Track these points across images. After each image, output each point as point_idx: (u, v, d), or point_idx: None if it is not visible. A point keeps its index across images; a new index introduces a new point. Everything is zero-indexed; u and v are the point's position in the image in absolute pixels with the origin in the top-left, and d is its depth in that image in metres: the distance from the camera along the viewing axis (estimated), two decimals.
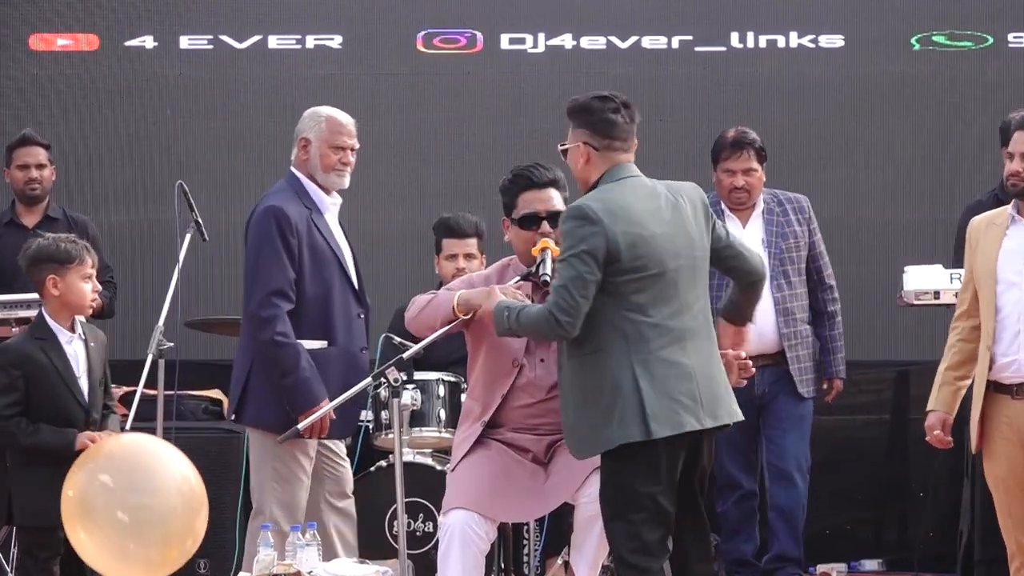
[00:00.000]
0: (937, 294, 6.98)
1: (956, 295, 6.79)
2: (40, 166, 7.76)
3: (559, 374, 5.38)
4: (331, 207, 6.37)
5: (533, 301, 5.50)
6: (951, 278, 6.92)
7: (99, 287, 6.21)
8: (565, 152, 5.42)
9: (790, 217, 7.14)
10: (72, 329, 6.08)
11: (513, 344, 5.61)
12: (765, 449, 7.19)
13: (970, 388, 5.68)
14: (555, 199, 5.66)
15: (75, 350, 6.07)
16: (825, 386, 7.28)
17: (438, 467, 6.90)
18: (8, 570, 7.29)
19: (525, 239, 5.65)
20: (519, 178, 5.70)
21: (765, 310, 6.99)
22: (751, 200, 7.15)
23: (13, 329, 7.17)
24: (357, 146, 6.35)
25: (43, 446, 5.90)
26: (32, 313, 7.13)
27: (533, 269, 5.54)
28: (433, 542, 6.72)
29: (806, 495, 7.20)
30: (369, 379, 5.43)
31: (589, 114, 5.37)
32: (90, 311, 6.18)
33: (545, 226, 5.61)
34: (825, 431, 8.04)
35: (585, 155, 5.32)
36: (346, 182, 6.35)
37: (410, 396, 7.07)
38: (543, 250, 5.53)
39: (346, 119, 6.35)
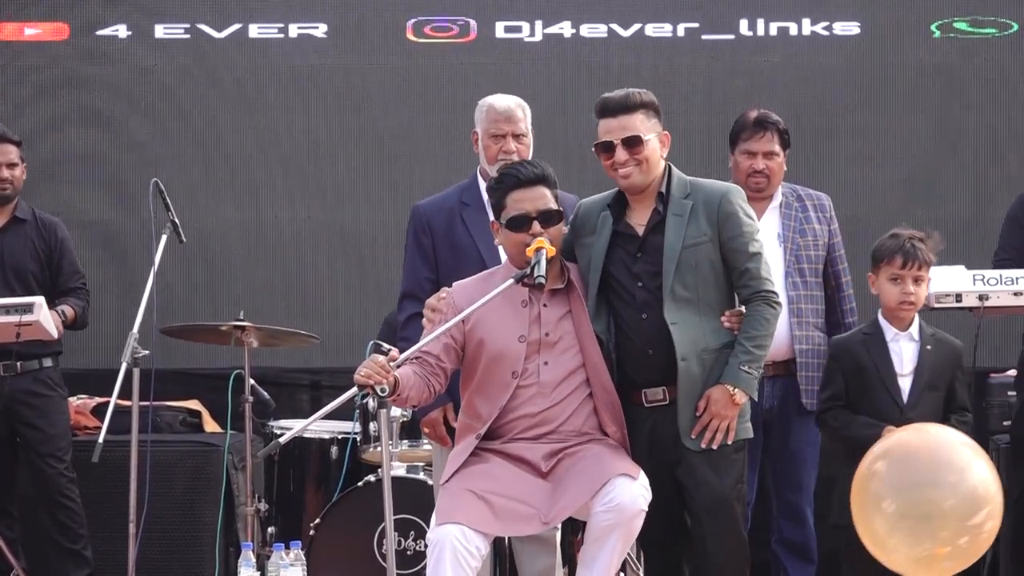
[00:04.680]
0: (959, 297, 6.93)
1: (979, 298, 6.81)
2: (11, 165, 7.62)
3: (686, 374, 5.55)
4: None
5: (540, 304, 5.60)
6: (974, 279, 6.89)
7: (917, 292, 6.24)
8: (635, 140, 5.59)
9: (809, 214, 7.03)
10: (904, 328, 6.22)
11: (511, 353, 5.59)
12: (772, 477, 7.08)
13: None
14: (545, 197, 5.62)
15: (900, 348, 6.21)
16: None
17: (430, 482, 6.89)
18: (14, 565, 7.37)
19: (516, 241, 5.60)
20: (506, 177, 5.66)
21: None
22: (770, 188, 6.99)
23: (18, 334, 7.19)
24: (521, 131, 6.25)
25: (855, 438, 6.07)
26: (32, 317, 7.14)
27: (528, 271, 5.49)
28: (425, 562, 6.72)
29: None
30: (353, 389, 5.41)
31: (657, 108, 5.70)
32: (904, 313, 6.21)
33: (536, 226, 5.57)
34: None
35: (666, 145, 5.69)
36: None
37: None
38: (538, 250, 5.50)
39: (503, 104, 6.27)
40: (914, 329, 6.21)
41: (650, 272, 5.62)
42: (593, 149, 5.70)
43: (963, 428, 6.09)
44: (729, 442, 5.57)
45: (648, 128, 5.64)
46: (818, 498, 6.88)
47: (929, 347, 6.20)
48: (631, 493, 5.40)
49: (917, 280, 6.16)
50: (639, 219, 5.69)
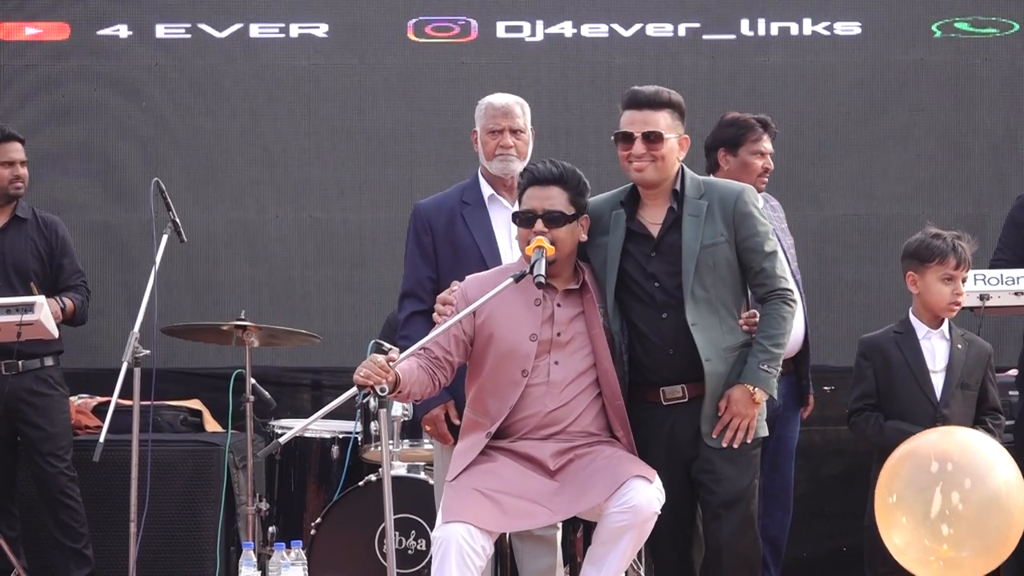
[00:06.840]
0: None
1: (980, 297, 6.83)
2: (24, 163, 7.67)
3: (715, 372, 5.57)
4: (501, 200, 6.24)
5: (554, 303, 5.61)
6: (974, 279, 6.92)
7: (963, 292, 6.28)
8: (656, 137, 5.62)
9: (779, 214, 7.11)
10: (936, 326, 6.24)
11: (522, 351, 5.61)
12: (766, 474, 7.11)
13: None
14: (557, 197, 5.63)
15: (932, 346, 6.25)
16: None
17: (431, 481, 6.91)
18: (15, 564, 7.38)
19: (522, 237, 5.64)
20: (526, 173, 5.72)
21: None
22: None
23: (19, 334, 7.20)
24: (519, 126, 6.26)
25: (889, 445, 6.04)
26: (34, 317, 7.16)
27: (528, 270, 5.50)
28: (426, 561, 6.73)
29: None
30: (354, 388, 5.42)
31: (683, 111, 5.75)
32: (952, 312, 6.24)
33: (539, 225, 5.60)
34: (842, 443, 8.04)
35: (685, 148, 5.73)
36: (513, 167, 6.21)
37: (400, 406, 7.10)
38: (537, 249, 5.52)
39: (500, 101, 6.31)
40: (944, 328, 6.25)
41: (667, 272, 5.64)
42: (613, 138, 5.72)
43: (996, 430, 6.17)
44: (749, 440, 5.61)
45: (671, 128, 5.68)
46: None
47: (960, 346, 6.24)
48: (647, 495, 5.43)
49: (964, 280, 6.19)
50: (652, 218, 5.71)
